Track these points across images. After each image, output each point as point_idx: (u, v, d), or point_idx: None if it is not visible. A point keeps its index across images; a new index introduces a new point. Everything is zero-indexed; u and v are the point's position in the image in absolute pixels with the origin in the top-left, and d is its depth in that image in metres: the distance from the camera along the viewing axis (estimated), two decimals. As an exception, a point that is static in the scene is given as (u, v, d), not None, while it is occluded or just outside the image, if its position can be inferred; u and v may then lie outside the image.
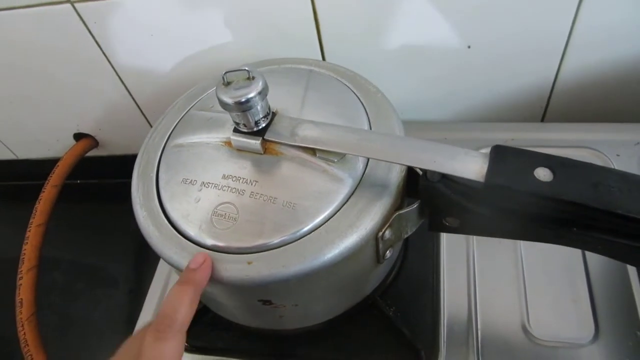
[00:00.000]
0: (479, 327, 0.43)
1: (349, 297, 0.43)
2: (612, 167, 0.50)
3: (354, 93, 0.42)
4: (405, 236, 0.40)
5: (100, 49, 0.55)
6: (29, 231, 0.59)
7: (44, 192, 0.62)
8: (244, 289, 0.35)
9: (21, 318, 0.54)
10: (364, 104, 0.41)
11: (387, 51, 0.53)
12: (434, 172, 0.33)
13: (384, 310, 0.45)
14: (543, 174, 0.29)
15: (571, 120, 0.57)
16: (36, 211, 0.60)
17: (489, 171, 0.30)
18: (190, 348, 0.47)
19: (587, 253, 0.46)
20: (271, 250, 0.34)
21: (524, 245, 0.47)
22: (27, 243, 0.58)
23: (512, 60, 0.53)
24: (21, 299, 0.55)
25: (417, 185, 0.34)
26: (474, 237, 0.48)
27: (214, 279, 0.34)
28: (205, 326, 0.48)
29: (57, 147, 0.71)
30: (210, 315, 0.47)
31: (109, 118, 0.66)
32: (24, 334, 0.53)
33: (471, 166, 0.31)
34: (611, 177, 0.29)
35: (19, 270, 0.56)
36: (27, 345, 0.53)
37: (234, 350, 0.47)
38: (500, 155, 0.31)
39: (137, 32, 0.53)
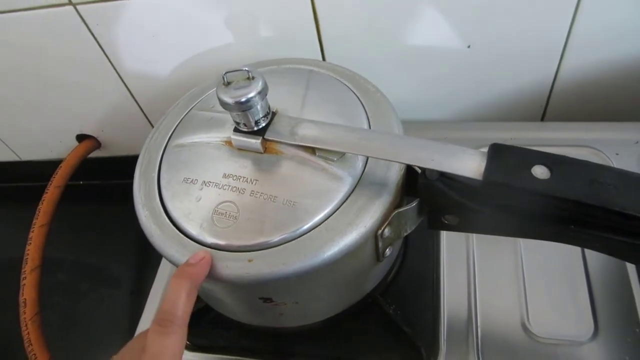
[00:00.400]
0: (479, 324, 0.44)
1: (349, 295, 0.44)
2: (612, 165, 0.50)
3: (354, 92, 0.42)
4: (405, 234, 0.40)
5: (103, 50, 0.56)
6: (32, 232, 0.59)
7: (47, 193, 0.62)
8: (244, 287, 0.35)
9: (25, 318, 0.54)
10: (363, 103, 0.41)
11: (387, 51, 0.53)
12: (432, 171, 0.33)
13: (384, 308, 0.46)
14: (540, 171, 0.29)
15: (571, 120, 0.57)
16: (39, 212, 0.61)
17: (487, 169, 0.30)
18: (192, 346, 0.47)
19: (587, 251, 0.46)
20: (271, 248, 0.34)
21: (523, 243, 0.47)
22: (30, 243, 0.58)
23: (511, 60, 0.53)
24: (25, 299, 0.55)
25: (416, 183, 0.35)
26: (474, 235, 0.48)
27: (215, 277, 0.34)
28: (207, 325, 0.48)
29: (59, 149, 0.72)
30: (212, 314, 0.47)
31: (111, 119, 0.66)
32: (28, 333, 0.54)
33: (469, 164, 0.31)
34: (608, 175, 0.29)
35: (23, 270, 0.57)
36: (31, 344, 0.53)
37: (235, 348, 0.47)
38: (498, 153, 0.31)
39: (139, 34, 0.54)
